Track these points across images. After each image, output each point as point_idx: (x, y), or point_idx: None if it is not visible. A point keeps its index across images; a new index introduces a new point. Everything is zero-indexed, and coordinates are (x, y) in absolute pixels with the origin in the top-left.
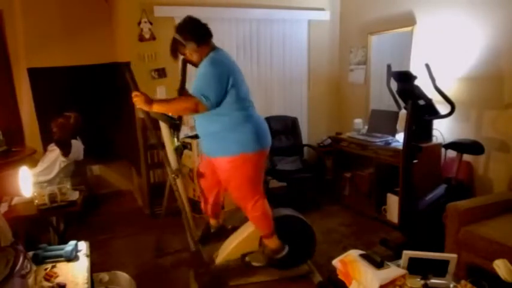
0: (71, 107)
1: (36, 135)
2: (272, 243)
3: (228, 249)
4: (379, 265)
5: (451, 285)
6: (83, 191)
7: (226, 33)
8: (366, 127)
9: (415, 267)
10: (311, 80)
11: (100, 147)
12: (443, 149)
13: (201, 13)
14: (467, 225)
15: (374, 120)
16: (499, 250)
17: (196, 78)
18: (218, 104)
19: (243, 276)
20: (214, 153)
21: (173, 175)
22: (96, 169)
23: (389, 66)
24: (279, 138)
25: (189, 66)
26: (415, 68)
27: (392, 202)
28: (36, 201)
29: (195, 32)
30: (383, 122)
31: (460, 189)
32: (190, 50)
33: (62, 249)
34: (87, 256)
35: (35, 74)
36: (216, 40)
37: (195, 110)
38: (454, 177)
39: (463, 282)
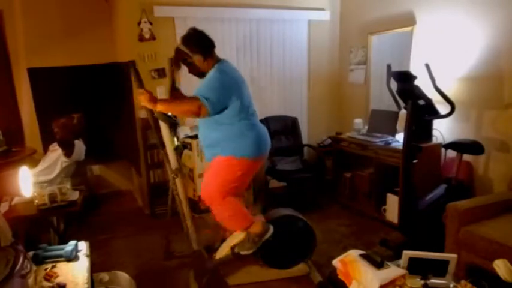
0: (71, 107)
1: (36, 135)
2: (255, 228)
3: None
4: (379, 265)
5: (451, 285)
6: (83, 191)
7: (226, 33)
8: (366, 127)
9: (415, 267)
10: (311, 80)
11: (100, 147)
12: (443, 149)
13: (200, 13)
14: (467, 225)
15: (374, 120)
16: (499, 250)
17: (202, 83)
18: (220, 111)
19: (243, 276)
20: (216, 154)
21: (173, 174)
22: (96, 169)
23: (389, 66)
24: (279, 138)
25: (187, 74)
26: (415, 68)
27: (392, 202)
28: (36, 201)
29: (201, 44)
30: (383, 122)
31: (460, 189)
32: (196, 61)
33: (62, 249)
34: (87, 256)
35: (35, 74)
36: (216, 40)
37: (197, 113)
38: (454, 177)
39: (463, 282)
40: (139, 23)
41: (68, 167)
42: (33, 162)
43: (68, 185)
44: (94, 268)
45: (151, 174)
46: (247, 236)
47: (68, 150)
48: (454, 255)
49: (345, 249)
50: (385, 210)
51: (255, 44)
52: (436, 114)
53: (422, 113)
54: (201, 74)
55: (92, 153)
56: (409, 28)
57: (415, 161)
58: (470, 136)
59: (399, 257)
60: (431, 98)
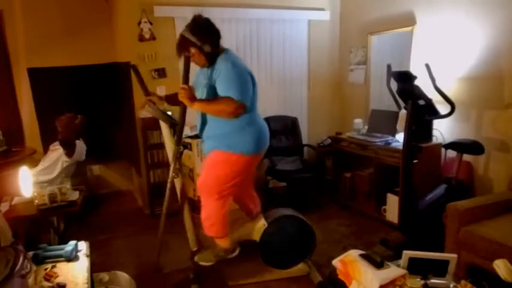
0: (71, 107)
1: (36, 135)
2: (224, 243)
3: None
4: (379, 265)
5: (451, 285)
6: (83, 191)
7: (226, 33)
8: (366, 127)
9: (415, 267)
10: (311, 80)
11: (100, 147)
12: (443, 149)
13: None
14: (467, 225)
15: (374, 120)
16: (499, 250)
17: (228, 81)
18: None
19: (243, 276)
20: (215, 148)
21: (173, 174)
22: (96, 169)
23: (389, 66)
24: (279, 138)
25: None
26: (415, 68)
27: (392, 202)
28: (36, 201)
29: (211, 34)
30: (383, 122)
31: (460, 189)
32: (203, 51)
33: (62, 249)
34: (87, 256)
35: (35, 74)
36: None
37: (234, 113)
38: (454, 177)
39: (463, 282)
40: (139, 23)
41: (68, 167)
42: (33, 162)
43: (68, 185)
44: (94, 268)
45: (151, 174)
46: (212, 248)
47: (69, 150)
48: (454, 255)
49: (345, 249)
50: (385, 210)
51: (255, 44)
52: (436, 114)
53: (422, 113)
54: (205, 63)
55: (92, 153)
56: (409, 28)
57: (415, 161)
58: (470, 136)
59: (399, 257)
60: (431, 98)
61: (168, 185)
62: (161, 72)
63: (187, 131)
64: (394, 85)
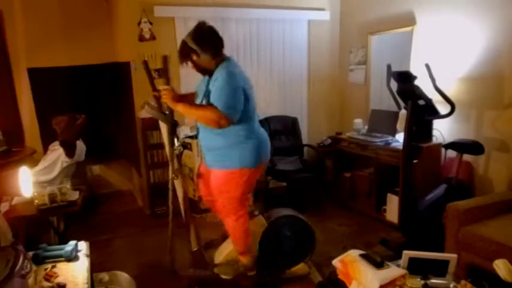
0: (71, 107)
1: (36, 135)
2: (244, 259)
3: (227, 250)
4: (379, 265)
5: (451, 285)
6: (83, 191)
7: (226, 33)
8: (366, 127)
9: (415, 267)
10: (311, 80)
11: (100, 147)
12: (443, 149)
13: (201, 13)
14: (467, 225)
15: (374, 120)
16: (499, 250)
17: (219, 91)
18: None
19: (243, 276)
20: (215, 167)
21: (173, 175)
22: (96, 169)
23: (389, 66)
24: (279, 138)
25: (182, 70)
26: (415, 68)
27: (392, 202)
28: (36, 201)
29: (213, 44)
30: (383, 122)
31: (460, 189)
32: (203, 60)
33: (62, 249)
34: (87, 256)
35: (35, 74)
36: None
37: (217, 123)
38: (454, 177)
39: (463, 282)
40: (139, 23)
41: (68, 167)
42: (33, 162)
43: (68, 185)
44: (94, 268)
45: (151, 174)
46: (232, 262)
47: (70, 151)
48: (454, 255)
49: (345, 249)
50: (385, 210)
51: (255, 44)
52: (436, 114)
53: (422, 113)
54: (205, 71)
55: (92, 153)
56: (409, 28)
57: (415, 161)
58: (470, 136)
59: (399, 257)
60: (431, 98)
61: (170, 187)
62: (161, 72)
63: (187, 131)
64: (394, 85)
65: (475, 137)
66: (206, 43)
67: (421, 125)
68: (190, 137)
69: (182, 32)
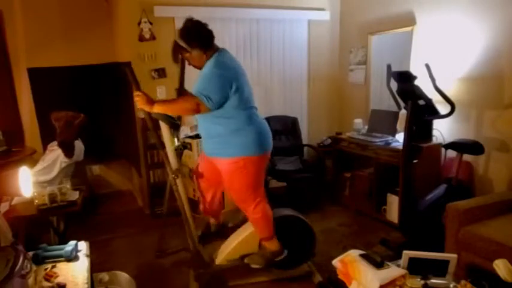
0: (71, 107)
1: (36, 135)
2: (272, 245)
3: (228, 250)
4: (379, 265)
5: (451, 285)
6: (83, 191)
7: (226, 33)
8: (366, 127)
9: (415, 267)
10: (311, 80)
11: (100, 147)
12: (443, 149)
13: (201, 13)
14: (467, 225)
15: (374, 120)
16: (499, 250)
17: (199, 79)
18: (220, 106)
19: (243, 276)
20: (216, 155)
21: (173, 175)
22: (96, 169)
23: (389, 66)
24: (279, 138)
25: (188, 66)
26: (415, 68)
27: (392, 202)
28: (36, 201)
29: (200, 39)
30: (383, 122)
31: (460, 189)
32: (195, 56)
33: (62, 249)
34: (87, 256)
35: (35, 74)
36: (216, 40)
37: (197, 111)
38: (454, 177)
39: (463, 282)
40: (139, 23)
41: (67, 167)
42: (33, 162)
43: (68, 185)
44: (94, 268)
45: (151, 174)
46: (260, 250)
47: (69, 152)
48: (454, 255)
49: (345, 249)
50: (385, 210)
51: (255, 44)
52: (436, 114)
53: (422, 113)
54: (201, 66)
55: (92, 153)
56: (409, 28)
57: (415, 161)
58: (470, 136)
59: (399, 257)
60: (431, 98)
61: (173, 187)
62: (161, 72)
63: (187, 131)
64: (394, 85)
65: (475, 137)
66: (193, 39)
67: (421, 125)
68: (190, 137)
69: None
